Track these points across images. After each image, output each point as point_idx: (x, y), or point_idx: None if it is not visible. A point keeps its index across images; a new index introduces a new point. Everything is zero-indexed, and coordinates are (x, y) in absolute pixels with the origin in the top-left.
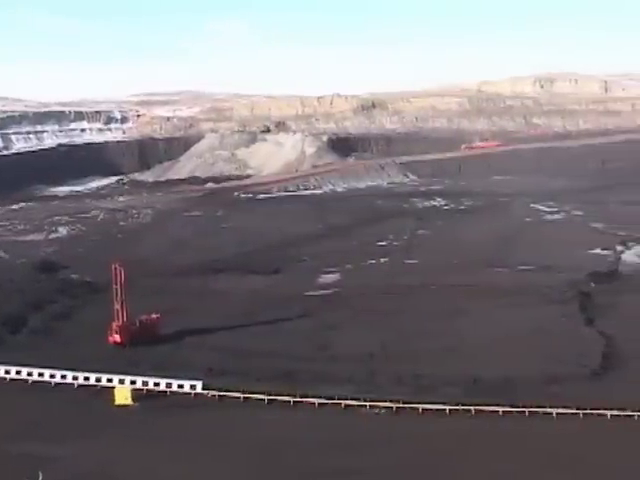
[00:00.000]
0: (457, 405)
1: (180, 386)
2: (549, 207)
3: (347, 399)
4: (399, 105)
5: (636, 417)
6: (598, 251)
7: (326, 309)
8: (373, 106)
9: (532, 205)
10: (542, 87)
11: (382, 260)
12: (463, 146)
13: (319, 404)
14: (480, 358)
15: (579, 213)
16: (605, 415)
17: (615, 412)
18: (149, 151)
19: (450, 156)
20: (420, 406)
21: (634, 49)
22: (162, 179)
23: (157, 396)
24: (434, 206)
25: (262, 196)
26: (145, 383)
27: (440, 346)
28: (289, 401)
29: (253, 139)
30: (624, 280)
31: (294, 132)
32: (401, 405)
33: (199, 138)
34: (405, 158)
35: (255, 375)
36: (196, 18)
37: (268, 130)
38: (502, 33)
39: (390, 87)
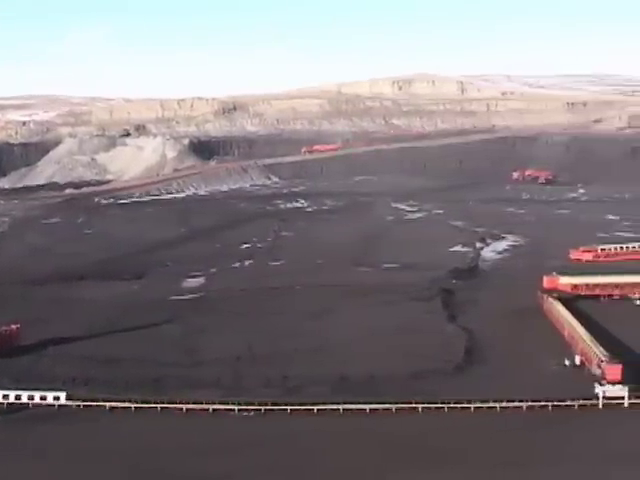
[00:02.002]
0: (325, 404)
1: (43, 398)
2: (410, 206)
3: (215, 403)
4: (260, 107)
5: (498, 408)
6: (458, 248)
7: (192, 313)
8: (234, 108)
9: (394, 204)
10: (400, 88)
11: (247, 263)
12: (303, 149)
13: (187, 409)
14: (347, 357)
15: (439, 212)
16: (469, 408)
17: (478, 404)
18: (5, 157)
19: (305, 159)
20: (289, 407)
21: (489, 51)
22: (19, 185)
23: (19, 409)
24: (297, 207)
25: (124, 201)
26: (6, 397)
27: (307, 346)
28: (156, 408)
29: (113, 143)
30: (483, 276)
31: (154, 136)
32: (270, 407)
33: (57, 143)
34: (267, 160)
35: (121, 383)
36: (51, 21)
37: (128, 134)
38: (361, 36)
39: (251, 89)
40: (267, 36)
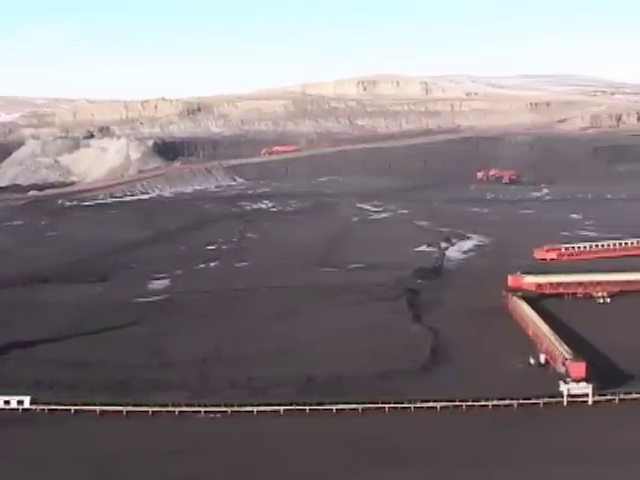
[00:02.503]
0: (291, 405)
1: (6, 402)
2: (375, 206)
3: (181, 405)
4: (225, 108)
5: (464, 407)
6: (424, 248)
7: (157, 315)
8: (198, 109)
9: (359, 205)
10: (365, 89)
11: (212, 264)
12: (263, 151)
13: (153, 412)
14: (313, 357)
15: (404, 212)
16: (435, 407)
17: (444, 404)
18: None
19: (270, 159)
20: (255, 408)
21: (452, 52)
22: None
23: None
24: (262, 208)
25: (88, 203)
26: None
27: (273, 347)
28: (122, 411)
29: (76, 145)
30: (448, 275)
31: (118, 137)
32: (236, 408)
33: (20, 144)
34: (232, 161)
35: (87, 386)
36: (13, 21)
37: (92, 135)
38: (326, 37)
39: (215, 90)
40: (231, 38)
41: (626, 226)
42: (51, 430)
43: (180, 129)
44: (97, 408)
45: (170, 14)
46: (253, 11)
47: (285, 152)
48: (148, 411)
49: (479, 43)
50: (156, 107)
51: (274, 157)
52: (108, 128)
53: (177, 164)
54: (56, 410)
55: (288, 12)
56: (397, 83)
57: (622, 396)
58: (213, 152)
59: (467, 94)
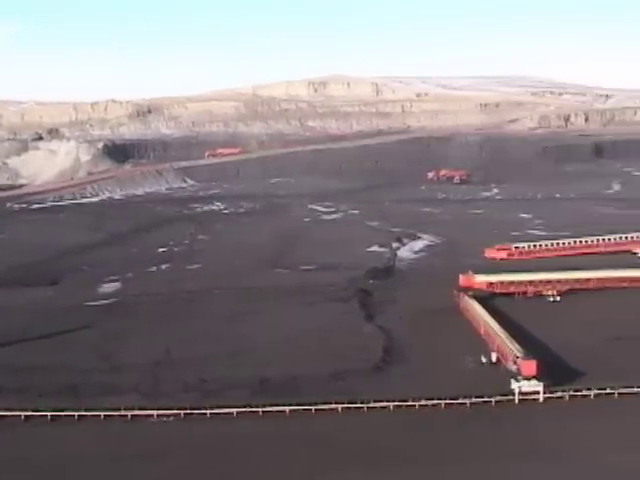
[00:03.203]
0: (244, 407)
1: None
2: (327, 207)
3: (134, 409)
4: (175, 110)
5: (417, 406)
6: (375, 248)
7: (108, 319)
8: (149, 111)
9: (310, 206)
10: (316, 90)
11: (164, 266)
12: (207, 153)
13: (105, 416)
14: (266, 359)
15: (356, 212)
16: (388, 407)
17: (397, 403)
18: None
19: (222, 161)
20: (208, 411)
21: (403, 53)
22: None
23: None
24: (214, 210)
25: (37, 206)
26: None
27: (226, 349)
28: (73, 416)
29: (25, 147)
30: (400, 275)
31: (68, 139)
32: (189, 411)
33: None
34: (183, 163)
35: (37, 391)
36: None
37: (40, 138)
38: (276, 38)
39: (166, 92)
40: (182, 39)
41: (575, 225)
42: (1, 437)
43: (130, 131)
44: (48, 413)
45: (118, 15)
46: (203, 12)
47: (229, 154)
48: (100, 415)
49: (430, 44)
50: (106, 109)
51: (219, 159)
52: (57, 130)
53: (128, 166)
54: (5, 416)
55: (238, 13)
56: (348, 84)
57: (572, 393)
58: (164, 154)
59: (417, 95)
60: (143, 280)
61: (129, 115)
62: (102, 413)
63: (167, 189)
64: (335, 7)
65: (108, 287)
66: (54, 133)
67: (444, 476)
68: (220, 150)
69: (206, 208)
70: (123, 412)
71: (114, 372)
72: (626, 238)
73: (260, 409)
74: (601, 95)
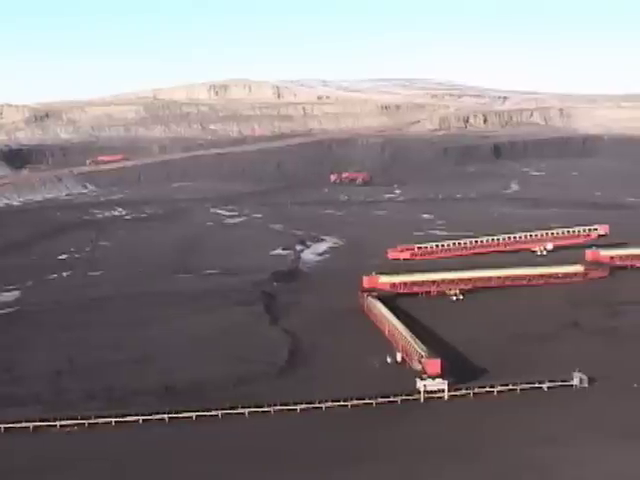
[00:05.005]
0: (150, 415)
1: None
2: (230, 211)
3: (35, 420)
4: (74, 114)
5: (324, 408)
6: (279, 251)
7: (7, 328)
8: (46, 116)
9: (213, 210)
10: (217, 94)
11: (64, 274)
12: (88, 161)
13: (5, 429)
14: (171, 365)
15: (259, 215)
16: (295, 410)
17: (304, 406)
18: None
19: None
20: (112, 419)
21: (303, 57)
22: None
23: None
24: (115, 216)
25: None
26: None
27: (130, 356)
28: None
29: None
30: (305, 278)
31: None
32: (93, 420)
33: None
34: (83, 168)
35: None
36: None
37: None
38: (176, 41)
39: (64, 96)
40: (81, 41)
41: (475, 224)
42: None
43: (28, 136)
44: None
45: (12, 16)
46: (103, 15)
47: (111, 162)
48: (0, 428)
49: (330, 48)
50: (1, 113)
51: (94, 167)
52: None
53: (25, 172)
54: None
55: (138, 17)
56: (249, 87)
57: (476, 390)
58: (63, 159)
59: (319, 98)
60: (43, 288)
61: (26, 120)
62: (2, 425)
63: (67, 195)
64: (236, 10)
65: (7, 296)
66: None
67: (354, 476)
68: (101, 157)
69: (107, 214)
70: (24, 424)
71: (15, 383)
72: (525, 237)
73: (166, 415)
74: (499, 97)
